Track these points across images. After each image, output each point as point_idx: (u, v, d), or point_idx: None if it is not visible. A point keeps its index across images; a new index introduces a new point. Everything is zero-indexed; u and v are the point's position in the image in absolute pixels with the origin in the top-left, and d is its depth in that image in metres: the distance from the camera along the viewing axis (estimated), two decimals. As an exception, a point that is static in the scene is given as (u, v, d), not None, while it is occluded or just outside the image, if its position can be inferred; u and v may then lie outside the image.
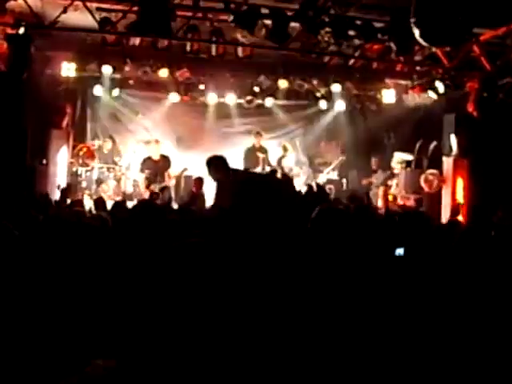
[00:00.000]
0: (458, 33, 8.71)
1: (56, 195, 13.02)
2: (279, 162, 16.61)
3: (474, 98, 14.05)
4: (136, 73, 15.58)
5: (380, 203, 15.97)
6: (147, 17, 11.09)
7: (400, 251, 5.86)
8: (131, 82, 16.37)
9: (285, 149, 16.64)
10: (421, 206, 14.97)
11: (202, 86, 16.58)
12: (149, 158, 15.44)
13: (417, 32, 9.13)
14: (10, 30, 12.83)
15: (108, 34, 13.11)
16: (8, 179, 12.24)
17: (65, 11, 12.02)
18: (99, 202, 10.87)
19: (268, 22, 12.28)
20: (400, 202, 15.55)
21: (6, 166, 12.53)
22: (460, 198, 14.38)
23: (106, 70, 15.31)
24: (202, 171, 16.01)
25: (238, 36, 12.41)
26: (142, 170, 15.31)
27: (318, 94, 17.07)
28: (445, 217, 13.95)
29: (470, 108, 14.04)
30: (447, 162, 14.77)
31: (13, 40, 12.40)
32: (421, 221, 6.34)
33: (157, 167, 15.26)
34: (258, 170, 15.80)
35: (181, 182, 16.15)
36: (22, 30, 12.43)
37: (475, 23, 9.46)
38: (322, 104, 17.28)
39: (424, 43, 9.36)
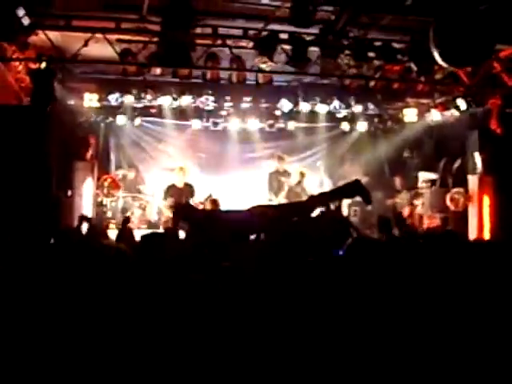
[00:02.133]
0: (478, 53, 8.67)
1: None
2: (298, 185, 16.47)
3: (496, 115, 13.97)
4: (158, 101, 15.69)
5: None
6: (167, 48, 11.16)
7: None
8: (153, 110, 16.45)
9: (302, 175, 16.50)
10: (447, 225, 14.87)
11: (223, 112, 16.65)
12: (172, 186, 15.45)
13: (436, 53, 9.14)
14: (32, 65, 13.01)
15: (129, 65, 13.19)
16: (33, 212, 12.29)
17: (86, 45, 12.14)
18: (121, 234, 10.85)
19: (287, 47, 12.35)
20: (426, 221, 15.45)
21: (32, 199, 12.59)
22: (486, 215, 14.24)
23: (128, 99, 15.46)
24: (227, 196, 16.22)
25: (258, 62, 12.44)
26: (165, 198, 15.30)
27: (340, 116, 17.06)
28: (472, 235, 13.86)
29: (493, 125, 13.95)
30: (472, 180, 14.65)
31: (36, 75, 12.53)
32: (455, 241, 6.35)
33: (181, 194, 15.26)
34: (282, 194, 15.80)
35: (206, 207, 16.13)
36: (43, 65, 12.58)
37: (495, 42, 9.42)
38: (344, 125, 17.26)
39: (444, 64, 9.34)
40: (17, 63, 12.85)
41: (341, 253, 6.52)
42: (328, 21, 11.78)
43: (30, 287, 4.89)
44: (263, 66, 12.46)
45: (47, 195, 13.22)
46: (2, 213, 11.71)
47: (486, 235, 13.82)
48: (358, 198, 16.91)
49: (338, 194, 7.42)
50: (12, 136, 12.49)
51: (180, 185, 15.48)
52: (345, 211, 16.78)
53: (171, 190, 15.33)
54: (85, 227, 12.60)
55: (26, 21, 11.10)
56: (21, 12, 10.85)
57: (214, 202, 14.61)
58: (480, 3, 8.89)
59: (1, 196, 12.11)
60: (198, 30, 12.22)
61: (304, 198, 15.43)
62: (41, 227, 11.33)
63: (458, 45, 8.72)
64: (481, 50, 8.67)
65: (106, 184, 15.74)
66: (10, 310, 4.48)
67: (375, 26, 12.13)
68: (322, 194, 7.63)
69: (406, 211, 16.08)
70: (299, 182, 16.29)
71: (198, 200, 15.56)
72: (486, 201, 14.34)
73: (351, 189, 7.19)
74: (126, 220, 11.61)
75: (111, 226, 15.27)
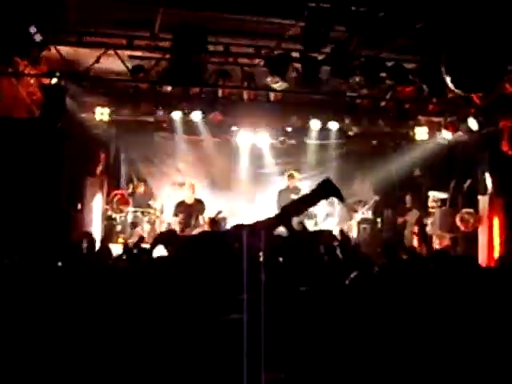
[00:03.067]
0: (489, 80, 8.64)
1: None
2: None
3: (508, 137, 13.91)
4: (169, 116, 15.72)
5: (415, 242, 15.92)
6: (178, 67, 11.17)
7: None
8: (164, 125, 16.47)
9: None
10: (457, 245, 14.82)
11: (234, 128, 16.65)
12: (182, 202, 15.44)
13: (448, 79, 9.12)
14: (44, 79, 13.06)
15: (140, 82, 13.25)
16: (43, 226, 12.32)
17: (97, 61, 12.19)
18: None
19: (298, 65, 12.36)
20: (436, 241, 15.40)
21: (42, 213, 12.62)
22: (496, 237, 14.18)
23: (139, 114, 15.50)
24: (237, 213, 16.22)
25: (269, 81, 12.44)
26: (175, 214, 15.29)
27: (351, 133, 17.02)
28: (482, 256, 13.80)
29: (505, 147, 13.89)
30: (483, 201, 14.60)
31: (47, 90, 12.57)
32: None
33: (191, 211, 15.25)
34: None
35: (216, 224, 16.12)
36: (55, 80, 12.62)
37: (506, 69, 9.39)
38: (355, 143, 17.23)
39: (456, 90, 9.31)
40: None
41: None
42: (340, 41, 11.78)
43: (36, 299, 4.93)
44: (275, 85, 12.44)
45: (57, 210, 13.27)
46: (11, 226, 11.76)
47: (495, 256, 13.75)
48: (369, 216, 17.08)
49: (311, 198, 7.27)
50: (23, 149, 12.55)
51: (190, 201, 15.45)
52: (354, 229, 16.78)
53: (181, 207, 15.32)
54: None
55: (38, 37, 11.15)
56: (33, 29, 10.90)
57: (214, 223, 14.59)
58: (492, 29, 8.87)
59: (11, 209, 12.16)
60: (210, 48, 12.21)
61: (309, 219, 15.43)
62: (50, 242, 11.40)
63: (470, 72, 8.69)
64: (492, 77, 8.65)
65: (115, 200, 15.76)
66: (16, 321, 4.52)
67: (386, 47, 12.13)
68: (295, 202, 7.49)
69: (415, 230, 16.04)
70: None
71: (207, 216, 15.56)
72: (496, 222, 14.30)
73: (323, 190, 7.03)
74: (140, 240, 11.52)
75: (120, 240, 15.32)
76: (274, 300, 5.07)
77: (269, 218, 7.10)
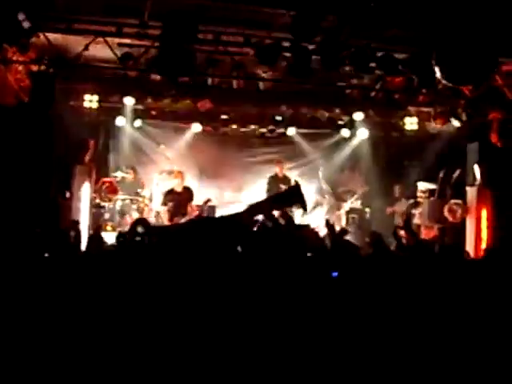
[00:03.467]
0: (480, 74, 8.64)
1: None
2: None
3: (497, 128, 13.91)
4: (158, 104, 15.66)
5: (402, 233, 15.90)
6: (168, 57, 11.11)
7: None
8: (153, 112, 16.41)
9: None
10: (444, 236, 14.83)
11: (223, 116, 16.60)
12: (171, 191, 15.40)
13: (438, 72, 9.11)
14: (33, 66, 12.97)
15: (129, 70, 13.18)
16: (31, 214, 12.27)
17: (86, 48, 12.12)
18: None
19: (289, 55, 12.30)
20: (423, 231, 15.41)
21: (30, 201, 12.57)
22: (484, 228, 14.20)
23: (128, 101, 15.45)
24: (226, 201, 16.23)
25: (259, 71, 12.40)
26: (164, 203, 15.26)
27: (341, 123, 17.02)
28: (469, 247, 13.82)
29: (494, 138, 13.89)
30: (471, 192, 14.59)
31: (36, 77, 12.48)
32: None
33: (180, 199, 15.22)
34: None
35: (204, 213, 16.10)
36: (43, 67, 12.55)
37: (496, 63, 9.38)
38: (345, 132, 17.22)
39: (446, 83, 9.30)
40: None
41: (335, 274, 6.49)
42: (330, 30, 11.74)
43: (27, 288, 4.91)
44: (264, 75, 12.41)
45: (45, 198, 13.22)
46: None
47: (483, 247, 13.78)
48: (357, 206, 17.10)
49: (277, 201, 7.22)
50: (11, 137, 12.48)
51: (179, 189, 15.42)
52: (343, 219, 16.80)
53: (170, 195, 15.28)
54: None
55: (26, 24, 11.09)
56: (21, 16, 10.84)
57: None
58: (483, 22, 8.86)
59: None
60: (200, 36, 12.14)
61: (298, 208, 15.44)
62: (38, 229, 11.34)
63: (460, 64, 8.69)
64: (482, 70, 8.65)
65: (103, 188, 15.70)
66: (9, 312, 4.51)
67: (377, 37, 12.10)
68: (260, 203, 7.43)
69: (402, 220, 16.04)
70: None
71: (195, 204, 15.55)
72: (484, 213, 14.30)
73: (290, 195, 7.01)
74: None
75: (108, 228, 15.28)
76: (263, 293, 5.08)
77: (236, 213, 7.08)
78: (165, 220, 15.14)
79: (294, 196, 7.14)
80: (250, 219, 6.71)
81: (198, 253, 5.43)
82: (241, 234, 6.29)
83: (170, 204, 15.06)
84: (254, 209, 7.11)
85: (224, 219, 6.99)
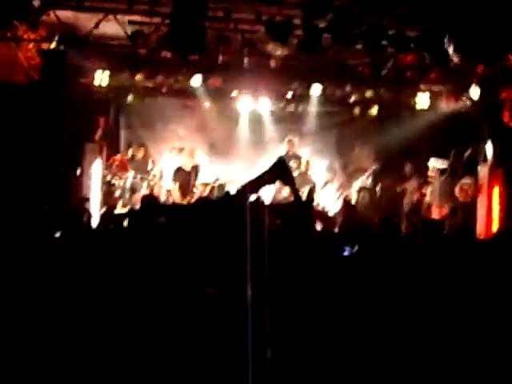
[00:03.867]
0: (493, 50, 8.56)
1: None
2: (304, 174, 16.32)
3: (509, 107, 13.83)
4: (168, 81, 15.62)
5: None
6: (179, 34, 11.06)
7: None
8: (164, 89, 16.36)
9: (307, 164, 16.40)
10: (455, 214, 14.77)
11: (234, 93, 16.54)
12: (180, 169, 15.45)
13: (451, 48, 9.04)
14: (43, 44, 12.96)
15: (140, 47, 13.15)
16: (42, 191, 12.29)
17: (97, 26, 12.09)
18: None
19: (300, 32, 12.24)
20: (435, 210, 15.36)
21: (41, 178, 12.59)
22: (496, 206, 14.15)
23: (139, 78, 15.40)
24: (236, 179, 16.21)
25: (270, 48, 12.34)
26: (174, 180, 15.31)
27: (351, 100, 16.92)
28: (480, 226, 13.80)
29: (506, 118, 13.81)
30: (482, 171, 14.53)
31: (47, 55, 12.48)
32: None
33: (188, 178, 15.28)
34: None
35: (214, 191, 16.09)
36: (54, 45, 12.53)
37: (510, 40, 9.29)
38: (356, 110, 17.11)
39: (458, 60, 9.23)
40: (27, 41, 12.83)
41: (346, 253, 6.48)
42: (342, 8, 11.67)
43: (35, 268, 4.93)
44: (275, 52, 12.36)
45: (56, 175, 13.25)
46: (10, 192, 11.73)
47: (495, 226, 13.75)
48: (365, 183, 17.04)
49: (264, 177, 7.13)
50: (22, 115, 12.49)
51: (187, 168, 15.45)
52: (353, 197, 16.76)
53: (179, 173, 15.31)
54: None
55: (36, 2, 11.07)
56: (32, -6, 10.83)
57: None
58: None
59: (10, 175, 12.13)
60: (211, 13, 12.08)
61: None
62: (48, 207, 11.38)
63: (473, 41, 8.62)
64: (496, 47, 8.58)
65: (114, 165, 15.77)
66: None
67: (390, 15, 12.02)
68: (250, 181, 7.36)
69: (415, 199, 16.00)
70: (305, 172, 16.17)
71: (200, 182, 15.61)
72: (496, 192, 14.23)
73: (275, 171, 6.93)
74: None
75: (119, 205, 15.31)
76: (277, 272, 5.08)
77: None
78: (176, 197, 15.17)
79: (278, 171, 7.06)
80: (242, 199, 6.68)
81: (207, 233, 5.43)
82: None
83: (179, 182, 15.09)
84: (245, 188, 7.06)
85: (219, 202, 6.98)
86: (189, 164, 15.49)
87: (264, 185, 7.15)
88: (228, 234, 5.46)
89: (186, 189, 15.25)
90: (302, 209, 7.27)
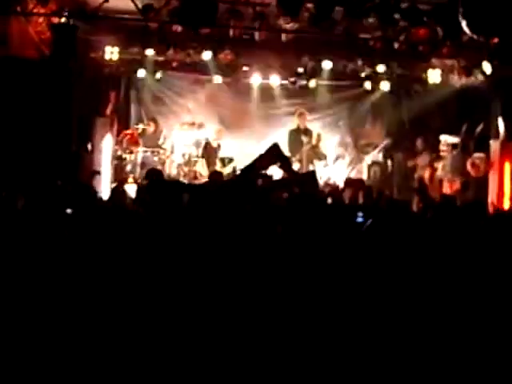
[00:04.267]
0: (506, 25, 8.48)
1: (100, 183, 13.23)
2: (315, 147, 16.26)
3: (522, 83, 13.74)
4: (179, 55, 15.57)
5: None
6: (189, 7, 10.99)
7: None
8: (174, 64, 16.32)
9: (318, 137, 16.30)
10: (467, 189, 14.74)
11: (245, 68, 16.48)
12: (208, 144, 16.12)
13: (464, 22, 8.96)
14: (53, 18, 12.91)
15: (150, 21, 13.08)
16: (52, 166, 12.31)
17: (107, 0, 12.01)
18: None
19: (311, 5, 12.14)
20: (446, 184, 15.32)
21: (51, 153, 12.60)
22: (507, 182, 14.10)
23: (149, 52, 15.35)
24: (247, 153, 16.22)
25: (281, 22, 12.27)
26: (201, 156, 15.92)
27: (363, 75, 16.82)
28: (491, 201, 13.75)
29: (519, 93, 13.74)
30: (494, 146, 14.48)
31: (57, 29, 12.45)
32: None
33: (214, 153, 16.07)
34: (300, 153, 15.66)
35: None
36: (64, 19, 12.49)
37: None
38: (367, 84, 17.03)
39: (471, 34, 9.15)
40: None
41: (360, 219, 6.47)
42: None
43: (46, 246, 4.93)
44: (286, 25, 12.29)
45: (67, 150, 13.27)
46: (21, 167, 11.76)
47: (506, 202, 13.72)
48: (379, 159, 17.01)
49: (260, 162, 7.07)
50: (33, 90, 12.47)
51: (214, 144, 15.96)
52: (364, 172, 16.74)
53: (207, 148, 16.03)
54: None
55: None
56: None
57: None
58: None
59: (21, 150, 12.14)
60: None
61: (319, 161, 15.53)
62: (60, 181, 11.41)
63: (486, 16, 8.54)
64: (509, 23, 8.50)
65: (125, 140, 15.77)
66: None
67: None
68: (247, 166, 7.29)
69: (426, 174, 15.94)
70: (315, 146, 16.11)
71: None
72: (508, 167, 14.20)
73: (270, 157, 6.89)
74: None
75: (130, 180, 15.31)
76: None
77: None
78: (203, 171, 15.29)
79: (273, 157, 7.02)
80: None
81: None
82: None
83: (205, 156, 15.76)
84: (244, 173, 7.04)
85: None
86: (216, 141, 16.23)
87: (259, 170, 7.13)
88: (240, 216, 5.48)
89: (211, 162, 15.85)
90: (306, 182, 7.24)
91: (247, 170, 7.07)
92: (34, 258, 4.60)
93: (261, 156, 6.81)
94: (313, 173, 7.16)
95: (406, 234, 5.39)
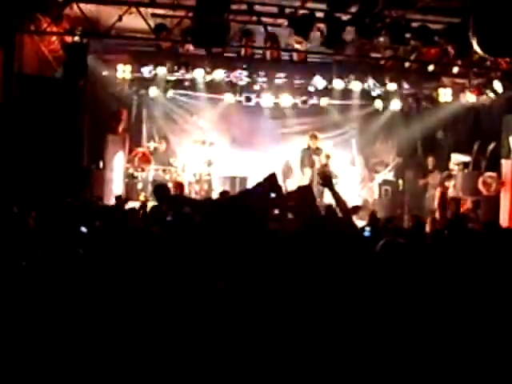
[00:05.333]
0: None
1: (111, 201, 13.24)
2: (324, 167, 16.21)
3: (533, 102, 13.75)
4: (191, 74, 15.65)
5: (436, 203, 15.86)
6: (202, 28, 11.05)
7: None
8: (186, 83, 16.42)
9: (327, 157, 16.23)
10: (478, 208, 14.71)
11: (256, 87, 16.56)
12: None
13: (475, 42, 8.99)
14: (66, 37, 13.02)
15: (163, 41, 13.17)
16: (64, 183, 12.35)
17: (120, 19, 12.10)
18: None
19: (322, 26, 12.19)
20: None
21: (63, 170, 12.63)
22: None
23: (161, 71, 15.45)
24: (256, 172, 16.23)
25: (293, 42, 12.34)
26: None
27: (374, 94, 16.87)
28: (503, 221, 13.70)
29: (529, 110, 13.74)
30: (506, 165, 14.43)
31: (69, 49, 12.56)
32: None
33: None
34: (311, 171, 15.64)
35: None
36: (77, 38, 12.60)
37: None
38: (378, 103, 17.09)
39: (482, 53, 9.17)
40: (51, 34, 12.88)
41: (367, 234, 6.48)
42: (365, 1, 11.61)
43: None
44: (298, 45, 12.34)
45: (78, 167, 13.31)
46: (34, 184, 11.80)
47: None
48: (390, 177, 17.01)
49: (256, 190, 6.99)
50: (45, 107, 12.53)
51: None
52: (375, 190, 16.74)
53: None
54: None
55: (60, -4, 11.13)
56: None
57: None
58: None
59: (34, 167, 12.18)
60: (234, 7, 12.07)
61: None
62: (71, 199, 11.44)
63: (497, 35, 8.56)
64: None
65: (136, 158, 15.81)
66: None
67: (413, 7, 11.96)
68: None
69: (437, 193, 15.91)
70: (325, 164, 16.07)
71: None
72: (519, 187, 14.16)
73: (267, 185, 6.81)
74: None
75: (141, 198, 15.33)
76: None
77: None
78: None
79: (271, 185, 6.95)
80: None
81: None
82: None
83: None
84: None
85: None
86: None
87: (256, 196, 7.10)
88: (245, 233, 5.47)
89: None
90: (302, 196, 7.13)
91: (243, 193, 7.08)
92: (48, 276, 4.62)
93: (258, 184, 6.78)
94: (309, 186, 7.06)
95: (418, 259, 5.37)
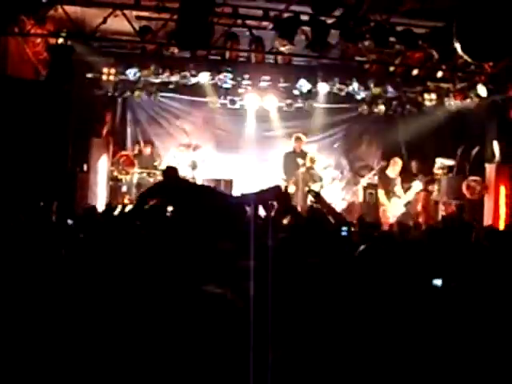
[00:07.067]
0: (500, 49, 8.54)
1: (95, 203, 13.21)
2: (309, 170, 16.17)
3: (516, 105, 13.83)
4: (175, 77, 15.62)
5: (419, 208, 15.93)
6: (186, 30, 11.04)
7: (438, 282, 5.79)
8: (171, 86, 16.37)
9: (312, 160, 16.17)
10: (463, 212, 14.78)
11: (241, 90, 16.53)
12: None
13: (458, 46, 9.02)
14: (51, 39, 12.98)
15: (148, 43, 13.16)
16: (48, 187, 12.30)
17: (104, 21, 12.09)
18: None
19: (307, 28, 12.22)
20: (441, 208, 15.36)
21: (47, 174, 12.58)
22: (502, 205, 14.14)
23: (146, 74, 15.40)
24: (242, 175, 16.22)
25: (278, 45, 12.35)
26: None
27: (358, 97, 16.88)
28: (487, 223, 13.76)
29: (513, 115, 13.82)
30: (490, 169, 14.52)
31: (54, 50, 12.51)
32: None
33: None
34: (295, 175, 15.64)
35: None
36: (61, 40, 12.57)
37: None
38: (362, 107, 17.11)
39: (466, 58, 9.21)
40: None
41: (344, 233, 6.50)
42: (350, 4, 11.66)
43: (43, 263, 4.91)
44: (283, 48, 12.36)
45: (62, 170, 13.25)
46: (17, 187, 11.74)
47: (501, 225, 13.72)
48: (375, 181, 17.01)
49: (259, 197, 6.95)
50: (29, 110, 12.47)
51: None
52: (360, 194, 16.75)
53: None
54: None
55: (44, -3, 11.10)
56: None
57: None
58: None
59: (17, 170, 12.13)
60: (218, 9, 12.08)
61: (315, 183, 15.43)
62: (55, 202, 11.42)
63: (481, 40, 8.60)
64: (503, 46, 8.56)
65: (121, 161, 15.75)
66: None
67: (397, 11, 12.02)
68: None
69: (421, 197, 15.98)
70: (310, 168, 16.04)
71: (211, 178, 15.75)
72: (503, 190, 14.24)
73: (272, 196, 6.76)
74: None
75: (125, 200, 15.31)
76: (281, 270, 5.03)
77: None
78: None
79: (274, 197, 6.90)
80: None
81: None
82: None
83: None
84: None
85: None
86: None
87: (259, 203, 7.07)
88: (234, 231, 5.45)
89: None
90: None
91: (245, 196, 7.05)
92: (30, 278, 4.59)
93: (262, 191, 6.75)
94: (278, 187, 7.01)
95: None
